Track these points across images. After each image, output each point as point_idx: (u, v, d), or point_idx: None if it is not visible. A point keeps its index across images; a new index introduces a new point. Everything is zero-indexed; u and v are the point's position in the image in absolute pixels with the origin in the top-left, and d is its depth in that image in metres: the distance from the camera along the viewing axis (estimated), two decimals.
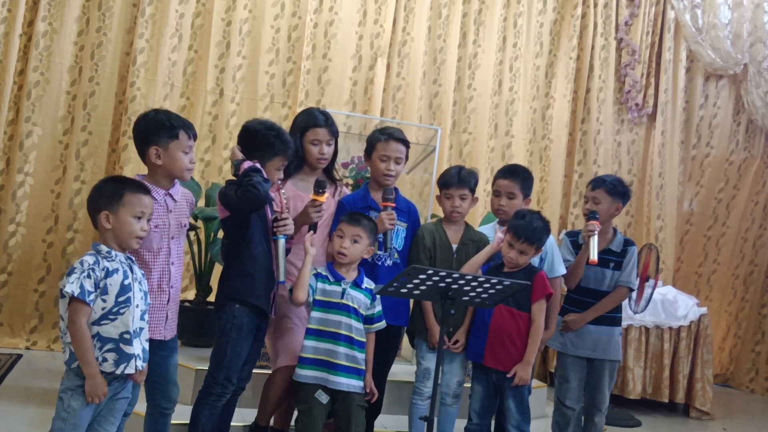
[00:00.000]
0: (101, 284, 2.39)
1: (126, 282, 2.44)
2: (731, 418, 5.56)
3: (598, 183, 3.65)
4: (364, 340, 3.09)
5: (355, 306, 3.06)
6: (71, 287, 2.33)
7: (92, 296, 2.37)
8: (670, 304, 5.30)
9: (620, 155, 6.69)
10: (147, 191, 2.57)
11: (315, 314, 3.05)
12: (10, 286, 5.02)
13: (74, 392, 2.39)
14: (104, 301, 2.39)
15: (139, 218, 2.51)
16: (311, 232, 3.11)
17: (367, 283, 3.14)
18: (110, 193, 2.49)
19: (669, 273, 6.59)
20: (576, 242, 3.64)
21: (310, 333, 3.05)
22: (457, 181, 3.41)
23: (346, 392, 3.00)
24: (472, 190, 3.46)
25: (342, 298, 3.05)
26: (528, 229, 3.20)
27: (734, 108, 6.95)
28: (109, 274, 2.41)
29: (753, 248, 6.88)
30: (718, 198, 6.95)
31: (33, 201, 5.07)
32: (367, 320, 3.11)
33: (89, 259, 2.40)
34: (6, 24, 4.99)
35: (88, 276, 2.37)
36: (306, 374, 3.01)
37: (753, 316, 6.80)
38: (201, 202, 4.65)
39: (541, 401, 4.59)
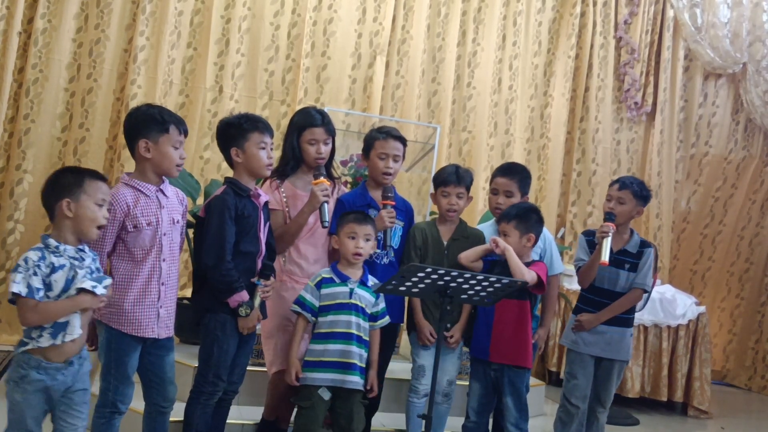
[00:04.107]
0: (47, 281, 2.36)
1: (70, 277, 2.40)
2: (729, 417, 5.56)
3: (625, 184, 3.59)
4: (368, 338, 3.09)
5: (363, 305, 3.07)
6: (18, 287, 2.29)
7: (41, 293, 2.33)
8: (669, 303, 5.29)
9: (619, 154, 6.69)
10: (104, 179, 2.55)
11: (323, 318, 3.04)
12: (8, 283, 5.01)
13: (16, 384, 2.36)
14: (48, 297, 2.36)
15: (101, 206, 2.48)
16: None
17: (372, 280, 3.15)
18: (70, 181, 2.45)
19: (666, 272, 6.59)
20: (592, 242, 3.60)
21: (319, 337, 3.04)
22: (455, 179, 3.40)
23: (349, 389, 3.01)
24: (468, 189, 3.46)
25: (350, 297, 3.05)
26: (513, 207, 3.36)
27: (733, 107, 6.94)
28: (54, 270, 2.38)
29: (749, 246, 6.87)
30: (716, 196, 6.94)
31: (31, 198, 5.05)
32: (372, 318, 3.12)
33: (33, 256, 2.36)
34: (5, 21, 4.98)
35: (35, 273, 2.33)
36: (319, 377, 2.99)
37: (750, 314, 6.79)
38: (200, 200, 4.64)
39: (539, 399, 4.58)
